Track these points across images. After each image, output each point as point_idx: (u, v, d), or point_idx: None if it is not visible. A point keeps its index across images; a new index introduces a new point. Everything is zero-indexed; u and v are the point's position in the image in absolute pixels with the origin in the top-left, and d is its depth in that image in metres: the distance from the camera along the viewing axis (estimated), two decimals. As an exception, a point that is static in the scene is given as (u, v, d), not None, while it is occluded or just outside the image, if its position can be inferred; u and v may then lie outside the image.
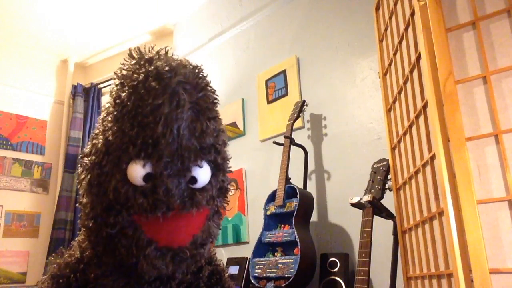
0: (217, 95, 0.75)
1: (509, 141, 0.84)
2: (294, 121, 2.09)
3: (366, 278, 1.37)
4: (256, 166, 2.46)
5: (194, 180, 0.71)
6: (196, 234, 0.73)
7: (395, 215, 1.38)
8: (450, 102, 0.89)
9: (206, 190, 0.73)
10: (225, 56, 2.85)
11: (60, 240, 3.06)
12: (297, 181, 2.06)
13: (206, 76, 0.74)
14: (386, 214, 1.45)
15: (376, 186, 1.46)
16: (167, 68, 0.67)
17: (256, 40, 2.67)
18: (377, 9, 1.58)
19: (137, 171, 0.67)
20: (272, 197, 1.98)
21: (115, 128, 0.69)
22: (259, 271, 1.84)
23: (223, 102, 2.66)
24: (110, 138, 0.69)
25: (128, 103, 0.68)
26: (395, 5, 1.30)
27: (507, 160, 0.83)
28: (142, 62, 0.70)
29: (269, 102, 2.47)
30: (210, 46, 2.98)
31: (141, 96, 0.67)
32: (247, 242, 2.38)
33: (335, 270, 1.71)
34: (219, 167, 0.76)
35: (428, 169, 1.02)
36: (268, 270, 1.80)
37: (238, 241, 2.42)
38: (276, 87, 2.44)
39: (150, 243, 0.69)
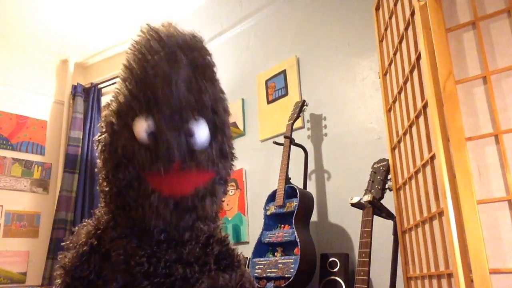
0: (210, 54, 0.82)
1: (509, 141, 0.84)
2: (294, 121, 2.09)
3: (366, 278, 1.37)
4: (256, 166, 2.46)
5: (192, 135, 0.75)
6: (198, 187, 0.77)
7: (395, 215, 1.38)
8: (450, 102, 0.89)
9: (206, 150, 0.78)
10: (225, 56, 2.85)
11: (60, 240, 3.05)
12: (297, 181, 2.06)
13: (203, 41, 0.81)
14: (386, 214, 1.45)
15: (376, 186, 1.46)
16: (166, 32, 0.76)
17: (256, 40, 2.67)
18: (377, 9, 1.58)
19: (140, 126, 0.73)
20: (272, 197, 1.98)
21: (124, 89, 0.77)
22: (259, 271, 1.84)
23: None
24: (120, 99, 0.77)
25: (135, 65, 0.76)
26: (395, 5, 1.30)
27: (507, 160, 0.83)
28: (149, 33, 0.78)
29: (269, 102, 2.47)
30: (210, 46, 2.93)
31: (144, 57, 0.75)
32: (247, 242, 2.38)
33: (335, 270, 1.71)
34: (217, 128, 0.80)
35: (428, 169, 1.02)
36: (268, 270, 1.80)
37: (238, 241, 2.42)
38: (276, 87, 2.44)
39: (154, 192, 0.73)
